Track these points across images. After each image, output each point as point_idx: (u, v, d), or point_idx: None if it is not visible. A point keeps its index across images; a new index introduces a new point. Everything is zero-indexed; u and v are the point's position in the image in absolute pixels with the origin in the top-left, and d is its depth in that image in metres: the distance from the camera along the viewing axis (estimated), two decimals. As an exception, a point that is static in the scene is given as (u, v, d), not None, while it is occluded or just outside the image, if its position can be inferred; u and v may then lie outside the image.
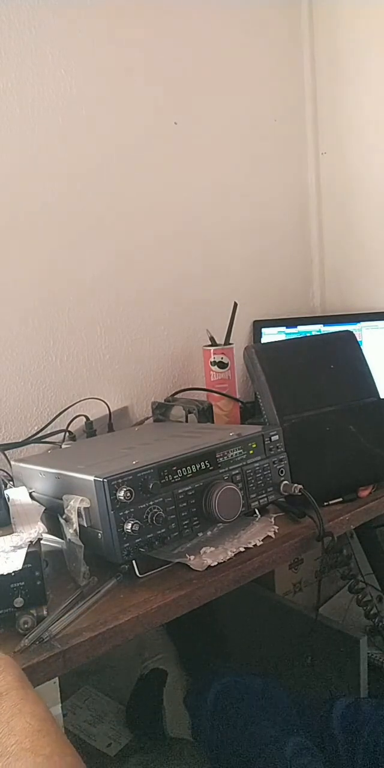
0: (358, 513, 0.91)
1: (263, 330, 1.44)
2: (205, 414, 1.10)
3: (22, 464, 0.93)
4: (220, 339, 1.22)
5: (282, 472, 0.86)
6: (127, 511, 0.70)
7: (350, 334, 1.06)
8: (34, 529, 0.67)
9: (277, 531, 0.83)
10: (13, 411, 1.12)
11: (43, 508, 0.79)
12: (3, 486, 0.80)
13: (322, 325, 1.41)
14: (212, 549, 0.77)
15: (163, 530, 0.73)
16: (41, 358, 1.15)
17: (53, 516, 0.79)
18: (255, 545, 0.79)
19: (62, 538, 0.76)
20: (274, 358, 0.98)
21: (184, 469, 0.76)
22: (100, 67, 1.19)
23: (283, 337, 1.42)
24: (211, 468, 0.78)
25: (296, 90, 1.53)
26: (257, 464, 0.83)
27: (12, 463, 0.96)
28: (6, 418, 1.11)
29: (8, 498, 0.80)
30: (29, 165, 1.11)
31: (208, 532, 0.81)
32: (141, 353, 1.29)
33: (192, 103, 1.33)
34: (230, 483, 0.78)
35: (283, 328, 1.43)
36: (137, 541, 0.70)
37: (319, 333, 1.39)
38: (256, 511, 0.86)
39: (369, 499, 0.94)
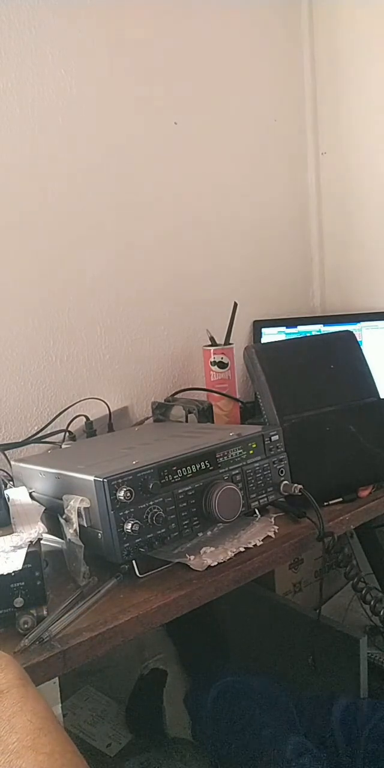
0: (358, 513, 0.91)
1: (263, 330, 1.44)
2: (205, 414, 1.10)
3: (22, 464, 0.93)
4: (220, 339, 1.22)
5: (282, 472, 0.86)
6: (127, 511, 0.70)
7: (350, 334, 1.06)
8: (34, 529, 0.67)
9: (277, 531, 0.83)
10: (13, 411, 1.12)
11: (43, 508, 0.79)
12: (3, 486, 0.80)
13: (322, 325, 1.41)
14: (212, 549, 0.77)
15: (163, 530, 0.73)
16: (41, 358, 1.15)
17: (53, 516, 0.79)
18: (255, 545, 0.79)
19: (62, 538, 0.75)
20: (274, 358, 0.98)
21: (184, 469, 0.76)
22: (100, 67, 1.19)
23: (283, 337, 1.42)
24: (211, 468, 0.78)
25: (296, 90, 1.54)
26: (257, 464, 0.83)
27: (12, 463, 0.96)
28: (6, 418, 1.11)
29: (8, 498, 0.80)
30: (29, 165, 1.11)
31: (208, 532, 0.81)
32: (141, 353, 1.29)
33: (192, 103, 1.33)
34: (230, 483, 0.78)
35: (283, 328, 1.43)
36: (137, 541, 0.70)
37: (319, 333, 1.39)
38: (256, 511, 0.86)
39: (369, 499, 0.94)
